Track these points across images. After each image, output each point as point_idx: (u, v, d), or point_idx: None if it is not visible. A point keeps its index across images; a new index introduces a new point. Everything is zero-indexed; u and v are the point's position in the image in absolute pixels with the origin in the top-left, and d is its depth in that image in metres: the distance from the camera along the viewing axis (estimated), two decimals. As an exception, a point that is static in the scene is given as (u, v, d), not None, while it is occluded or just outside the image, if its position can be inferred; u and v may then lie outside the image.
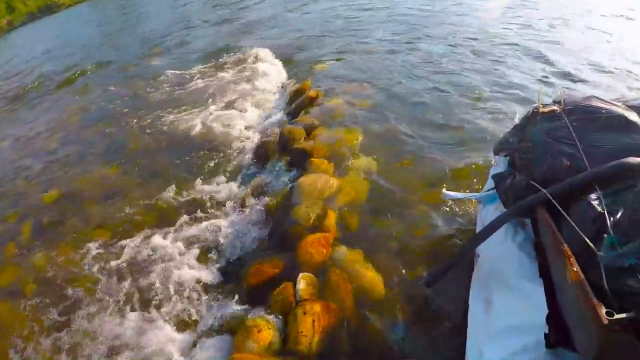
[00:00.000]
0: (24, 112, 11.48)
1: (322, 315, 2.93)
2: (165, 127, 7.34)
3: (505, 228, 2.57)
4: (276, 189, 4.62)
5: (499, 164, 3.06)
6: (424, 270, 3.15)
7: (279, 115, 6.45)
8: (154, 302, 3.88)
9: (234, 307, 3.42)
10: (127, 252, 4.58)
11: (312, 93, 6.43)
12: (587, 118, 2.51)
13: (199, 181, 5.47)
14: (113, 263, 4.49)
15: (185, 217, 4.83)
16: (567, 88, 5.49)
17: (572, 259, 1.80)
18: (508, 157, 2.95)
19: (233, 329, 3.24)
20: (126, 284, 4.20)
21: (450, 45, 7.84)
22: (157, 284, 4.03)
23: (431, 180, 4.14)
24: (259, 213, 4.32)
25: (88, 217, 5.46)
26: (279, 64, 8.91)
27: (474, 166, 4.19)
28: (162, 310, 3.78)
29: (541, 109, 2.69)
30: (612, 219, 1.86)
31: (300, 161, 4.73)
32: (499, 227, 2.47)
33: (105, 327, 3.77)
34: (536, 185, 2.32)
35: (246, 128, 6.47)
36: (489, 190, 3.08)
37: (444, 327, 2.81)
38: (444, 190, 3.56)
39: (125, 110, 8.74)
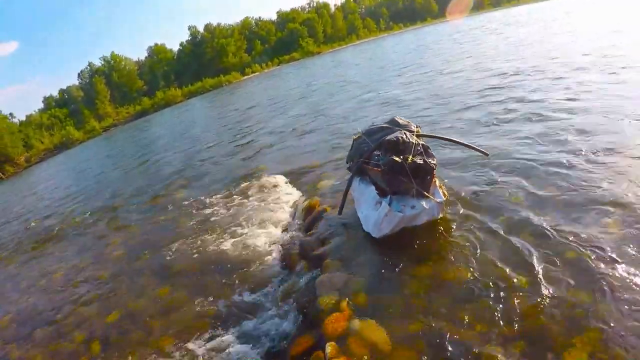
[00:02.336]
0: (67, 248, 13.04)
1: None
2: (201, 249, 8.67)
3: (359, 181, 6.76)
4: (302, 286, 6.07)
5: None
6: (420, 325, 4.48)
7: (295, 230, 7.98)
8: None
9: None
10: (185, 352, 5.78)
11: (320, 209, 8.03)
12: (369, 132, 6.82)
13: (237, 290, 6.74)
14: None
15: (231, 318, 6.11)
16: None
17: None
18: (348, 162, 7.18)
19: None
20: None
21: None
22: None
23: (422, 260, 5.50)
24: (292, 306, 5.76)
25: (149, 330, 6.61)
26: (289, 186, 10.56)
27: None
28: None
29: (354, 137, 7.20)
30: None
31: (317, 264, 6.31)
32: (351, 180, 6.84)
33: None
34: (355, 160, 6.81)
35: (270, 244, 7.88)
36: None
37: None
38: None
39: (162, 239, 10.13)
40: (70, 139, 74.68)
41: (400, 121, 6.69)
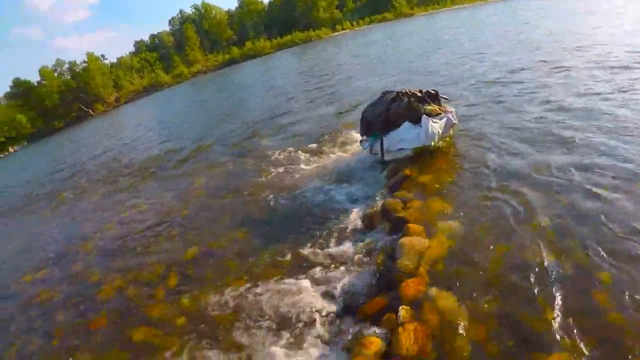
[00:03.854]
0: (152, 183, 13.91)
1: (417, 331, 4.33)
2: (281, 198, 8.94)
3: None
4: (380, 247, 6.12)
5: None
6: (495, 304, 4.46)
7: (380, 191, 7.91)
8: (284, 328, 5.22)
9: (351, 330, 4.86)
10: (260, 293, 5.99)
11: (407, 171, 7.95)
12: (371, 104, 9.43)
13: (315, 241, 6.87)
14: (250, 302, 5.89)
15: (307, 268, 6.24)
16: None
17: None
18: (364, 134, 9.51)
19: (349, 346, 4.59)
20: (259, 315, 5.59)
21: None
22: (287, 315, 5.38)
23: (502, 237, 5.46)
24: (369, 264, 5.82)
25: (225, 270, 6.95)
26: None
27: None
28: (290, 335, 5.08)
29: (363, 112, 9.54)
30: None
31: (399, 226, 6.30)
32: (382, 137, 8.72)
33: (240, 347, 5.14)
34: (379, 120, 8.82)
35: (352, 200, 7.89)
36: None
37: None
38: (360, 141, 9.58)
39: (244, 184, 10.56)
40: (159, 82, 77.73)
41: (387, 91, 9.43)
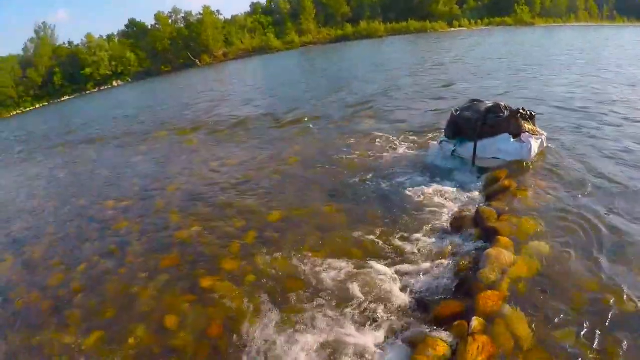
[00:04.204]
0: (249, 139, 14.40)
1: (486, 345, 4.20)
2: (371, 181, 8.87)
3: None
4: (465, 252, 5.96)
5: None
6: (567, 340, 4.19)
7: (474, 196, 7.70)
8: (352, 308, 5.20)
9: (420, 326, 4.81)
10: (336, 270, 5.99)
11: (506, 182, 7.67)
12: (462, 109, 9.10)
13: (400, 232, 6.75)
14: (324, 276, 5.90)
15: (387, 256, 6.20)
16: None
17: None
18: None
19: (414, 342, 4.54)
20: (331, 291, 5.58)
21: None
22: (358, 296, 5.36)
23: (590, 271, 5.11)
24: (451, 267, 5.70)
25: (304, 240, 7.01)
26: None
27: None
28: (357, 316, 5.08)
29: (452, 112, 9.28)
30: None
31: (488, 236, 6.11)
32: (476, 142, 8.55)
33: (306, 319, 5.13)
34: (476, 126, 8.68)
35: (445, 198, 7.70)
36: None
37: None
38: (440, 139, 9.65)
39: (339, 159, 10.60)
40: (269, 46, 79.12)
41: (476, 99, 9.42)
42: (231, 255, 6.92)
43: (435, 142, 9.91)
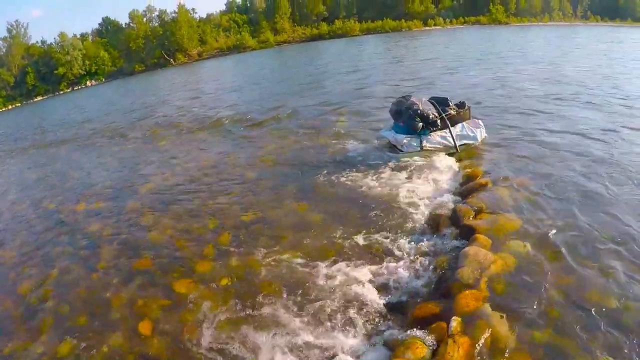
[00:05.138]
0: (221, 140, 14.24)
1: (465, 346, 4.17)
2: (348, 180, 8.82)
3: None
4: (442, 252, 5.94)
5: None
6: (546, 336, 4.23)
7: (450, 194, 7.67)
8: (329, 311, 5.16)
9: (397, 329, 4.75)
10: (312, 271, 5.97)
11: (482, 181, 7.70)
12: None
13: (375, 231, 6.71)
14: (299, 277, 5.88)
15: (363, 256, 6.14)
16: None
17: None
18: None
19: (392, 345, 4.48)
20: (307, 293, 5.53)
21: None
22: (335, 298, 5.34)
23: (568, 269, 5.15)
24: (429, 266, 5.66)
25: (279, 240, 6.98)
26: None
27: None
28: (334, 319, 5.03)
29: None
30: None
31: (466, 234, 6.12)
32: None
33: (282, 322, 5.09)
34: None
35: (420, 198, 7.59)
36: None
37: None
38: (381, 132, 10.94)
39: (313, 159, 10.55)
40: (243, 45, 78.85)
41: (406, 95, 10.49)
42: (205, 257, 6.85)
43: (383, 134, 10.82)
